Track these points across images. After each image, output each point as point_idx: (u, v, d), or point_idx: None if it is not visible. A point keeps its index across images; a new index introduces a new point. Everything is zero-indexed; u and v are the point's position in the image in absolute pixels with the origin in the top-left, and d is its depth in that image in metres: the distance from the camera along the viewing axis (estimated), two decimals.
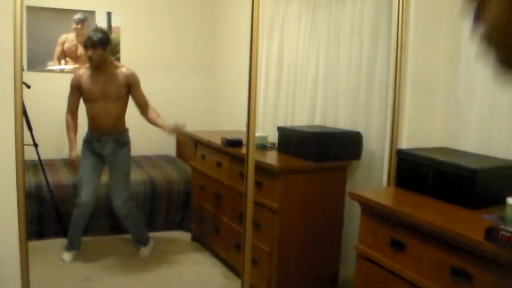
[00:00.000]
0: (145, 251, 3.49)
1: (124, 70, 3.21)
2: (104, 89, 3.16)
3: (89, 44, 3.06)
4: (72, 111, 3.26)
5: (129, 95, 3.24)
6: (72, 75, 3.34)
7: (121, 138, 3.30)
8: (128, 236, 3.68)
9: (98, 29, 3.20)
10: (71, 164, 3.26)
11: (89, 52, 3.07)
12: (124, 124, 3.34)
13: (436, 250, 1.62)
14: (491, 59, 0.62)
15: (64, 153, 4.42)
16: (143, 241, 3.52)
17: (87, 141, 3.27)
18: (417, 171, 2.02)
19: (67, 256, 3.33)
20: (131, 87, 3.21)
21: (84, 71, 3.22)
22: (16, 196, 1.97)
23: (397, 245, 1.79)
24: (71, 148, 3.24)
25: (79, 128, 3.31)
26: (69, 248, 3.36)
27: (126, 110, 3.29)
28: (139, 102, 3.26)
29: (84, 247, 3.45)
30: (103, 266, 3.26)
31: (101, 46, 3.06)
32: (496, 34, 0.61)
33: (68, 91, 3.26)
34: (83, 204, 3.24)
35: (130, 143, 3.37)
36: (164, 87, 4.72)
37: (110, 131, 3.23)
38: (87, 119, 3.25)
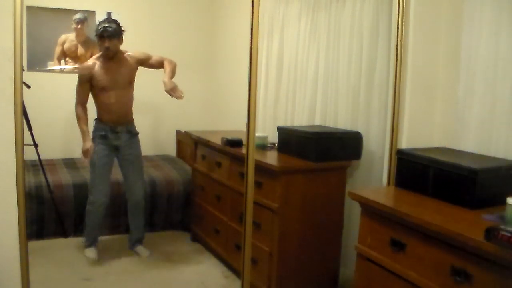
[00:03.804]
0: (144, 249, 3.50)
1: (130, 53, 3.31)
2: (118, 77, 3.23)
3: (106, 35, 3.11)
4: (83, 103, 3.24)
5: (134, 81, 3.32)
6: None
7: (132, 128, 3.38)
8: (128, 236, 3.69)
9: (109, 20, 3.20)
10: (84, 154, 3.20)
11: (106, 44, 3.12)
12: (132, 114, 3.41)
13: (436, 250, 1.63)
14: None
15: (64, 153, 4.45)
16: (142, 240, 3.55)
17: (101, 136, 3.26)
18: (417, 171, 2.02)
19: (92, 253, 3.36)
20: (144, 62, 3.31)
21: (94, 62, 3.23)
22: (16, 196, 1.97)
23: (397, 245, 1.79)
24: (85, 139, 3.20)
25: (88, 128, 3.32)
26: (91, 244, 3.39)
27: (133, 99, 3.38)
28: (158, 64, 3.32)
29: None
30: (103, 265, 3.26)
31: (117, 36, 3.15)
32: None
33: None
34: (101, 203, 3.31)
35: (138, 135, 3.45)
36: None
37: (123, 121, 3.30)
38: (96, 113, 3.28)
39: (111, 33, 3.10)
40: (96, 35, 3.16)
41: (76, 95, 3.22)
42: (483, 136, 2.12)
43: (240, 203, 2.65)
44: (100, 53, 3.24)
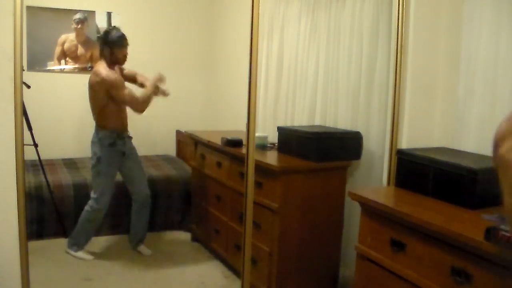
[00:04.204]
0: (146, 249, 3.50)
1: None
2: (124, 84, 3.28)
3: (125, 43, 3.17)
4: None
5: None
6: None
7: (129, 132, 3.41)
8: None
9: (116, 28, 3.24)
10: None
11: (125, 51, 3.19)
12: None
13: (436, 250, 1.62)
14: None
15: (64, 153, 4.45)
16: (143, 239, 3.55)
17: (111, 144, 3.24)
18: (417, 171, 2.02)
19: (87, 254, 3.37)
20: (120, 70, 3.34)
21: (109, 69, 3.17)
22: (16, 196, 1.97)
23: (397, 245, 1.79)
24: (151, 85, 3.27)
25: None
26: (83, 247, 3.39)
27: None
28: (131, 76, 3.42)
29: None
30: (103, 265, 3.26)
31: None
32: None
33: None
34: (104, 209, 3.32)
35: None
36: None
37: (126, 127, 3.37)
38: (101, 121, 3.23)
39: (127, 40, 3.18)
40: (110, 44, 3.12)
41: (129, 97, 3.16)
42: (483, 136, 2.12)
43: (240, 203, 2.65)
44: (106, 61, 3.17)
